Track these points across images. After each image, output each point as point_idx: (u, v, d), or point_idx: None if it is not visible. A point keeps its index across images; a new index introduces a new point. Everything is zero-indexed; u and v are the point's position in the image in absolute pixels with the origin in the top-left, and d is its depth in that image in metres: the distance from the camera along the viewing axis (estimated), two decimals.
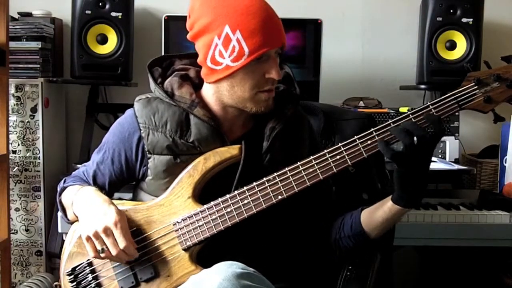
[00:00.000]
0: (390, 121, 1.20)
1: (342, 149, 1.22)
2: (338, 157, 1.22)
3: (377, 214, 1.29)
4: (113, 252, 1.22)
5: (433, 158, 2.22)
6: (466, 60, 2.34)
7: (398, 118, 1.20)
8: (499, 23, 2.63)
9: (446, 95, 1.20)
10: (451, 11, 2.34)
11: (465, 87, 1.20)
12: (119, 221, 1.23)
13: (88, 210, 1.28)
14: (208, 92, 1.33)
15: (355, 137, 1.21)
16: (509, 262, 2.16)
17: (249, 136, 1.34)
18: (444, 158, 2.27)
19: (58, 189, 1.45)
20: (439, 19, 2.35)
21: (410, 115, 1.19)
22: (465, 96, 1.20)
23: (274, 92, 1.31)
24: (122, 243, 1.23)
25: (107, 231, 1.22)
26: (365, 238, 1.32)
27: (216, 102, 1.32)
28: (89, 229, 1.24)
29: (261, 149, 1.33)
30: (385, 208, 1.27)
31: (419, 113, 1.19)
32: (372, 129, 1.21)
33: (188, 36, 1.31)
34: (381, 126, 1.21)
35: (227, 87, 1.28)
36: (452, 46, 2.38)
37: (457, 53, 2.37)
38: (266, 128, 1.34)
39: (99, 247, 1.23)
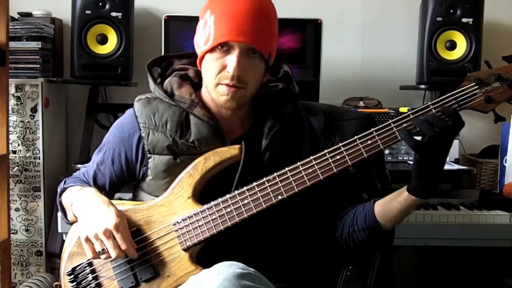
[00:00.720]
0: (390, 121, 1.20)
1: (342, 149, 1.22)
2: (338, 157, 1.22)
3: (391, 205, 1.29)
4: (113, 254, 1.22)
5: None
6: (466, 60, 2.34)
7: (417, 109, 1.20)
8: (499, 23, 2.63)
9: (446, 95, 1.20)
10: (451, 11, 2.34)
11: (465, 87, 1.20)
12: (119, 223, 1.23)
13: (87, 211, 1.28)
14: (205, 90, 1.33)
15: (356, 137, 1.21)
16: (509, 262, 2.16)
17: (249, 136, 1.34)
18: None
19: (58, 190, 1.45)
20: (439, 19, 2.35)
21: (431, 106, 1.19)
22: (465, 96, 1.19)
23: (236, 93, 1.26)
24: (122, 245, 1.23)
25: (107, 233, 1.22)
26: (380, 230, 1.32)
27: (211, 100, 1.32)
28: (88, 230, 1.24)
29: (260, 147, 1.33)
30: (400, 199, 1.27)
31: (437, 105, 1.19)
32: (372, 129, 1.21)
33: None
34: (381, 126, 1.21)
35: (203, 73, 1.31)
36: (452, 46, 2.38)
37: (457, 53, 2.37)
38: (265, 126, 1.34)
39: (98, 249, 1.23)
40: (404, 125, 1.19)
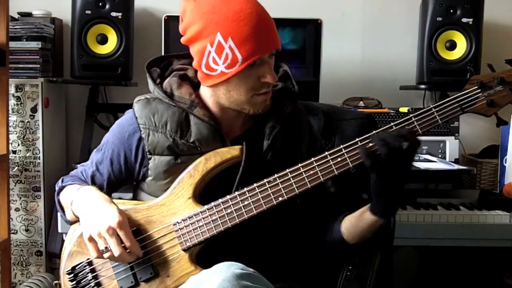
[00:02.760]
0: (392, 123, 1.20)
1: (344, 151, 1.21)
2: (339, 159, 1.22)
3: (355, 222, 1.31)
4: (116, 252, 1.22)
5: (433, 158, 2.22)
6: (466, 60, 2.34)
7: (362, 138, 1.21)
8: (499, 23, 2.63)
9: (449, 98, 1.20)
10: (451, 11, 2.34)
11: (468, 90, 1.20)
12: (122, 221, 1.23)
13: (89, 210, 1.27)
14: (206, 93, 1.33)
15: (357, 139, 1.21)
16: (509, 262, 2.16)
17: (249, 135, 1.34)
18: (444, 158, 2.27)
19: (56, 188, 1.44)
20: (439, 19, 2.35)
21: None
22: (468, 100, 1.19)
23: (271, 92, 1.31)
24: (127, 243, 1.22)
25: (110, 231, 1.22)
26: (346, 245, 1.34)
27: (214, 103, 1.33)
28: (91, 229, 1.24)
29: (261, 148, 1.33)
30: (363, 217, 1.29)
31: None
32: (374, 132, 1.21)
33: (182, 40, 1.31)
34: (383, 128, 1.21)
35: (224, 91, 1.28)
36: (452, 46, 2.38)
37: (457, 53, 2.37)
38: (266, 127, 1.34)
39: (102, 247, 1.22)
40: (366, 141, 1.20)
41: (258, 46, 1.22)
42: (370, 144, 1.19)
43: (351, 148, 1.21)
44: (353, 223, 1.32)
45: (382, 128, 1.21)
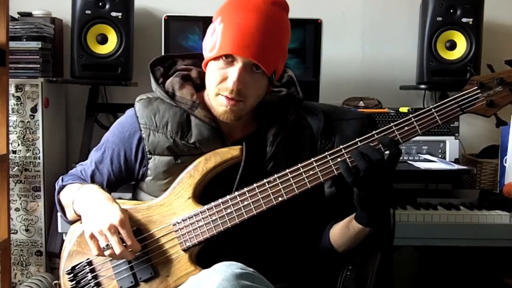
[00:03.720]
0: (392, 124, 1.21)
1: (344, 151, 1.21)
2: (339, 159, 1.21)
3: (343, 231, 1.32)
4: (117, 250, 1.21)
5: (433, 158, 2.22)
6: (466, 60, 2.34)
7: (362, 138, 1.21)
8: (499, 23, 2.63)
9: (449, 99, 1.20)
10: (451, 11, 2.34)
11: (467, 91, 1.20)
12: (124, 219, 1.23)
13: (91, 208, 1.27)
14: (208, 94, 1.33)
15: (357, 139, 1.21)
16: (509, 262, 2.16)
17: (251, 138, 1.34)
18: (444, 158, 2.27)
19: (56, 187, 1.44)
20: (439, 19, 2.34)
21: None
22: (467, 100, 1.19)
23: (236, 107, 1.26)
24: (128, 241, 1.22)
25: (112, 229, 1.22)
26: (334, 253, 1.35)
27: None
28: (93, 226, 1.24)
29: (262, 151, 1.33)
30: (350, 225, 1.29)
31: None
32: (374, 132, 1.21)
33: None
34: (383, 128, 1.21)
35: (206, 78, 1.30)
36: (452, 46, 2.38)
37: (457, 53, 2.37)
38: (269, 133, 1.33)
39: (103, 244, 1.22)
40: (346, 156, 1.20)
41: (233, 44, 1.21)
42: (351, 159, 1.19)
43: (351, 149, 1.21)
44: (341, 231, 1.33)
45: (365, 137, 1.20)
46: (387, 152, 1.17)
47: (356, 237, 1.30)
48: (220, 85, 1.25)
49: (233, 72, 1.23)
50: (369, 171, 1.15)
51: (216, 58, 1.25)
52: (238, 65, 1.23)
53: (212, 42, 1.25)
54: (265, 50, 1.23)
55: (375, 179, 1.17)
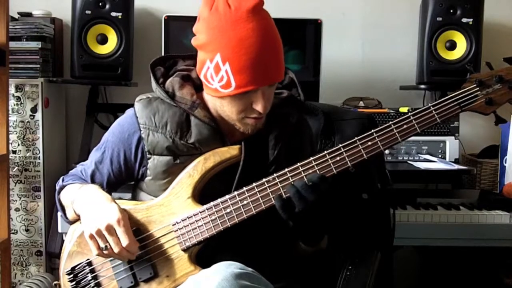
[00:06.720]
0: (391, 122, 1.21)
1: (342, 150, 1.21)
2: (338, 158, 1.22)
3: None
4: (116, 250, 1.22)
5: (433, 158, 2.22)
6: (466, 60, 2.34)
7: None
8: (499, 23, 2.63)
9: (447, 97, 1.20)
10: (451, 11, 2.34)
11: (466, 89, 1.20)
12: (122, 219, 1.23)
13: (90, 208, 1.28)
14: (208, 96, 1.33)
15: (356, 138, 1.21)
16: (509, 262, 2.16)
17: (250, 139, 1.33)
18: (444, 158, 2.27)
19: (57, 187, 1.45)
20: (439, 19, 2.35)
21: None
22: (466, 98, 1.19)
23: (264, 117, 1.29)
24: (124, 241, 1.22)
25: (110, 230, 1.22)
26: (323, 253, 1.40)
27: (214, 108, 1.32)
28: (91, 226, 1.24)
29: (262, 152, 1.32)
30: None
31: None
32: (373, 131, 1.21)
33: (191, 41, 1.30)
34: (382, 127, 1.21)
35: (219, 103, 1.28)
36: (452, 46, 2.38)
37: (457, 53, 2.37)
38: (271, 136, 1.33)
39: (102, 245, 1.23)
40: (284, 190, 1.22)
41: (253, 79, 1.20)
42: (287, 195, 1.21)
43: (350, 147, 1.21)
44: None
45: (364, 135, 1.21)
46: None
47: (305, 249, 1.36)
48: (245, 111, 1.26)
49: (259, 98, 1.23)
50: (304, 211, 1.19)
51: (233, 95, 1.24)
52: (263, 91, 1.23)
53: (224, 80, 1.21)
54: (278, 65, 1.24)
55: (310, 214, 1.21)
